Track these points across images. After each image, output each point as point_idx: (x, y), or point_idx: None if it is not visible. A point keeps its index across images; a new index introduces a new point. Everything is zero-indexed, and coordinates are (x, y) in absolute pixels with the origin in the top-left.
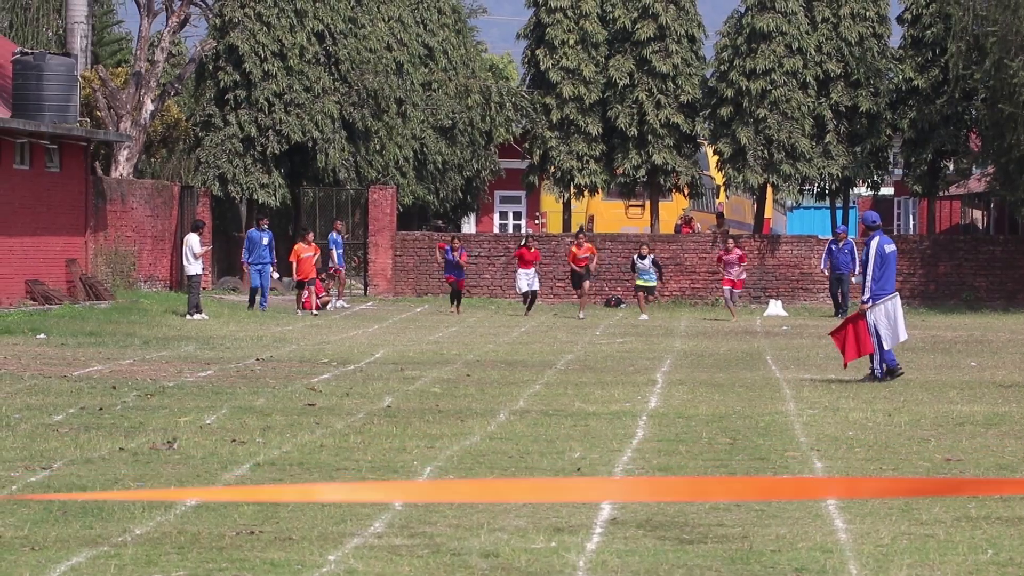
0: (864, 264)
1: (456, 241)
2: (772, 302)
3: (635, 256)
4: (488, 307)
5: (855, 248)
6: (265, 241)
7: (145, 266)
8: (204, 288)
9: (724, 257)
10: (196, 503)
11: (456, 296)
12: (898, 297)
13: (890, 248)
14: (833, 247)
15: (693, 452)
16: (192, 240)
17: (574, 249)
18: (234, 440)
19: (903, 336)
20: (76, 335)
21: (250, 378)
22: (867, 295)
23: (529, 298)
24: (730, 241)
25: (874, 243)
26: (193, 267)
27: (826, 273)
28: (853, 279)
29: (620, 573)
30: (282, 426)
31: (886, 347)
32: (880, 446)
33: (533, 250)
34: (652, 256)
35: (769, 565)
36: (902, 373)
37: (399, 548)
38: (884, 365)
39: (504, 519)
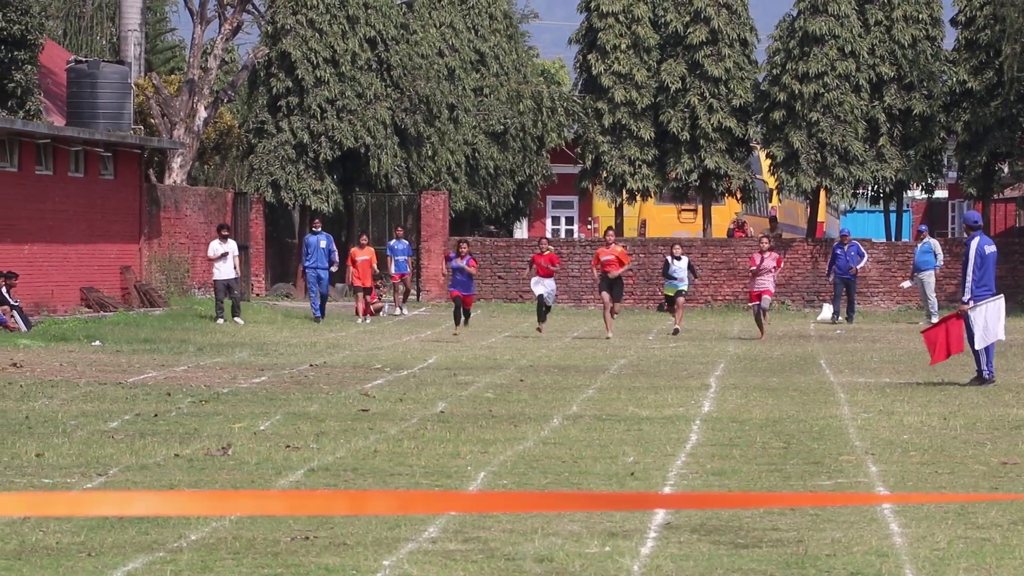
0: (964, 264)
1: (464, 246)
2: (825, 306)
3: (668, 257)
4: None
5: (861, 250)
6: (323, 244)
7: (199, 273)
8: (257, 295)
9: (759, 264)
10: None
11: (462, 314)
12: (1002, 298)
13: (990, 249)
14: (838, 251)
15: (747, 456)
16: (212, 245)
17: (599, 250)
18: (288, 446)
19: (1001, 335)
20: (131, 342)
21: (304, 384)
22: (967, 295)
23: (543, 308)
24: (765, 241)
25: (974, 243)
26: (215, 272)
27: (830, 279)
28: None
29: None
30: (336, 432)
31: (977, 347)
32: (935, 450)
33: (547, 254)
34: (687, 258)
35: (824, 569)
36: (991, 382)
37: (453, 553)
38: (988, 367)
39: (558, 524)
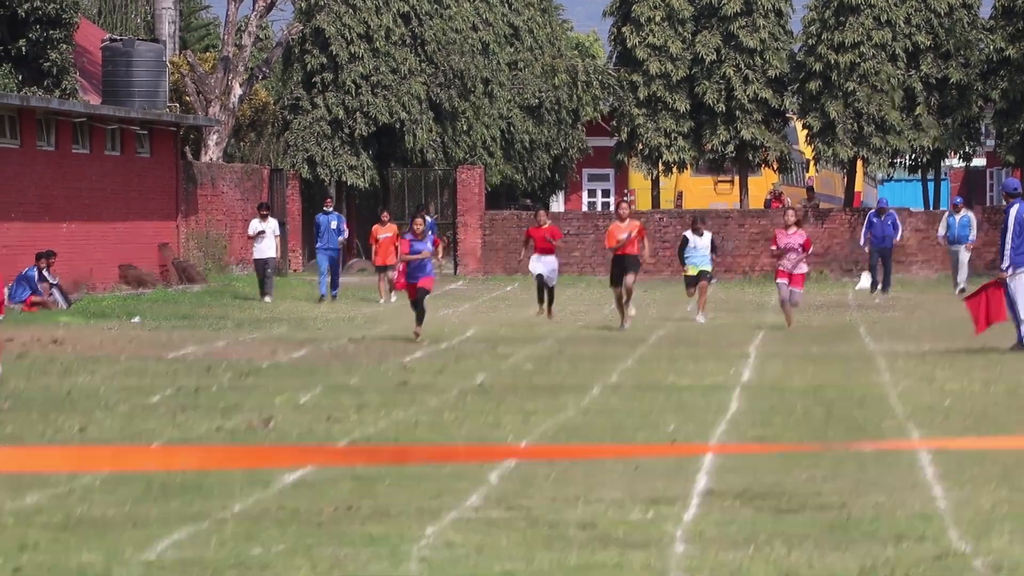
0: (1003, 232)
1: (418, 222)
2: (864, 275)
3: (687, 233)
4: (578, 284)
5: (897, 220)
6: (333, 224)
7: (236, 249)
8: (294, 271)
9: (783, 240)
10: (295, 479)
11: (417, 309)
12: None
13: None
14: (874, 219)
15: (788, 424)
16: (252, 223)
17: (613, 226)
18: (329, 418)
19: None
20: (169, 318)
21: (343, 357)
22: (1006, 263)
23: (544, 290)
24: (790, 213)
25: (1013, 210)
26: (254, 251)
27: (866, 249)
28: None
29: (718, 543)
30: (377, 404)
31: (1021, 315)
32: (977, 415)
33: (545, 226)
34: (711, 235)
35: (868, 533)
36: None
37: (496, 521)
38: None
39: (601, 491)
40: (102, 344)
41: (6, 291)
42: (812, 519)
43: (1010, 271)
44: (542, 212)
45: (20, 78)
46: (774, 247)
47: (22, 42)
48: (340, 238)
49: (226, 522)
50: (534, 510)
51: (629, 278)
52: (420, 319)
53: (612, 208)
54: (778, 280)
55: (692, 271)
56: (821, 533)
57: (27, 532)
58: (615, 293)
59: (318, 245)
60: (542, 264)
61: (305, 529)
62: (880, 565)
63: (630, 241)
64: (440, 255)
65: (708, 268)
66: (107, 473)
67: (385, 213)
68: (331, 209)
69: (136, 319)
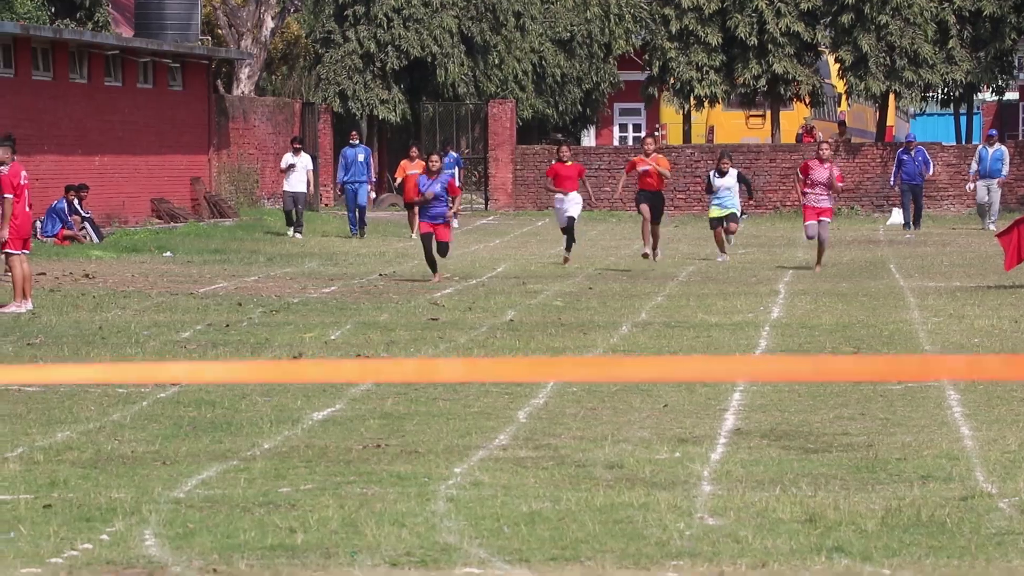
0: None
1: (433, 159)
2: (895, 210)
3: (711, 172)
4: (609, 220)
5: (927, 156)
6: (361, 157)
7: (268, 183)
8: (326, 205)
9: (816, 171)
10: (323, 417)
11: (434, 254)
12: None
13: None
14: (904, 156)
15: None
16: (285, 157)
17: (636, 159)
18: (359, 355)
19: None
20: (201, 252)
21: (373, 294)
22: None
23: (567, 232)
24: (824, 146)
25: None
26: (284, 183)
27: (896, 187)
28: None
29: (744, 483)
30: (406, 341)
31: None
32: (1007, 352)
33: (570, 164)
34: (737, 171)
35: (895, 473)
36: None
37: (524, 460)
38: None
39: (628, 431)
40: (133, 279)
41: (37, 225)
42: (838, 459)
43: None
44: (565, 148)
45: (52, 10)
46: (805, 176)
47: None
48: (368, 172)
49: (255, 460)
50: (561, 449)
51: (657, 229)
52: (435, 270)
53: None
54: (807, 222)
55: (714, 213)
56: (847, 473)
57: (57, 469)
58: (641, 212)
59: (345, 178)
60: (572, 204)
61: (333, 467)
62: (906, 506)
63: (651, 174)
64: (455, 208)
65: (735, 210)
66: (137, 410)
67: (414, 148)
68: (357, 142)
69: (168, 253)
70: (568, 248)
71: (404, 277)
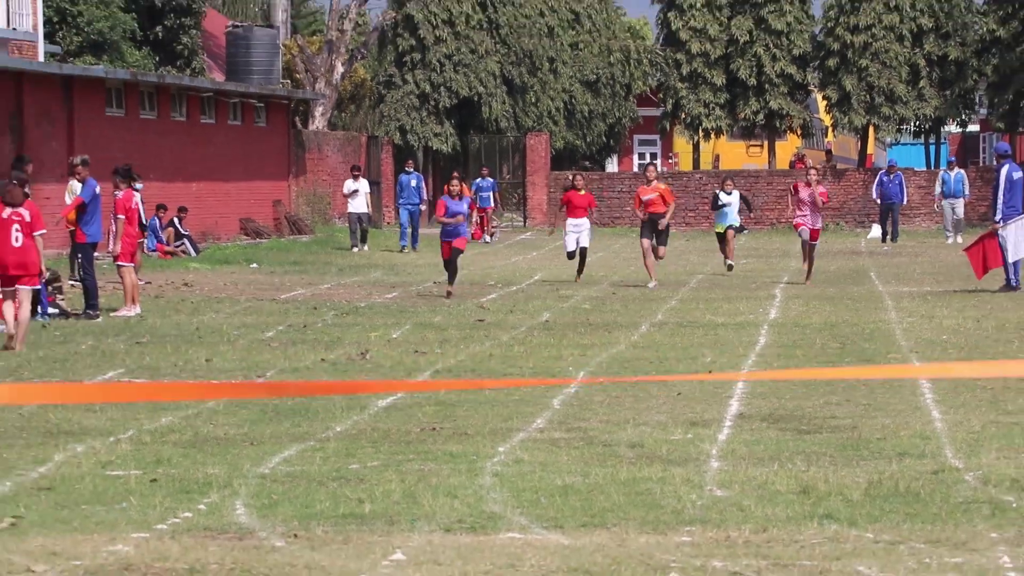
0: (995, 188)
1: (454, 183)
2: (874, 226)
3: (717, 191)
4: (628, 236)
5: (904, 180)
6: (414, 183)
7: (339, 205)
8: (388, 223)
9: (804, 192)
10: (387, 404)
11: (451, 268)
12: None
13: (1017, 174)
14: (884, 178)
15: (808, 356)
16: (346, 183)
17: (640, 188)
18: (417, 351)
19: None
20: (282, 264)
21: (429, 299)
22: (999, 215)
23: (578, 258)
24: (812, 172)
25: (1004, 170)
26: (348, 205)
27: (878, 202)
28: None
29: (747, 459)
30: (457, 339)
31: (1010, 259)
32: (970, 347)
33: (583, 193)
34: (738, 192)
35: (876, 451)
36: (1017, 289)
37: (558, 441)
38: (1015, 277)
39: (647, 415)
40: (225, 287)
41: (144, 242)
42: (827, 439)
43: (1001, 223)
44: (579, 178)
45: (157, 59)
46: (796, 195)
47: (158, 28)
48: (421, 197)
49: (328, 441)
50: (590, 431)
51: (661, 250)
52: (452, 278)
53: (659, 168)
54: (799, 229)
55: (720, 228)
56: (835, 451)
57: (162, 449)
58: (643, 246)
59: (400, 201)
60: (581, 232)
61: (395, 447)
62: (885, 479)
63: (654, 202)
64: (474, 222)
65: (736, 223)
66: (229, 399)
67: (456, 179)
68: (411, 170)
69: (254, 265)
70: (580, 270)
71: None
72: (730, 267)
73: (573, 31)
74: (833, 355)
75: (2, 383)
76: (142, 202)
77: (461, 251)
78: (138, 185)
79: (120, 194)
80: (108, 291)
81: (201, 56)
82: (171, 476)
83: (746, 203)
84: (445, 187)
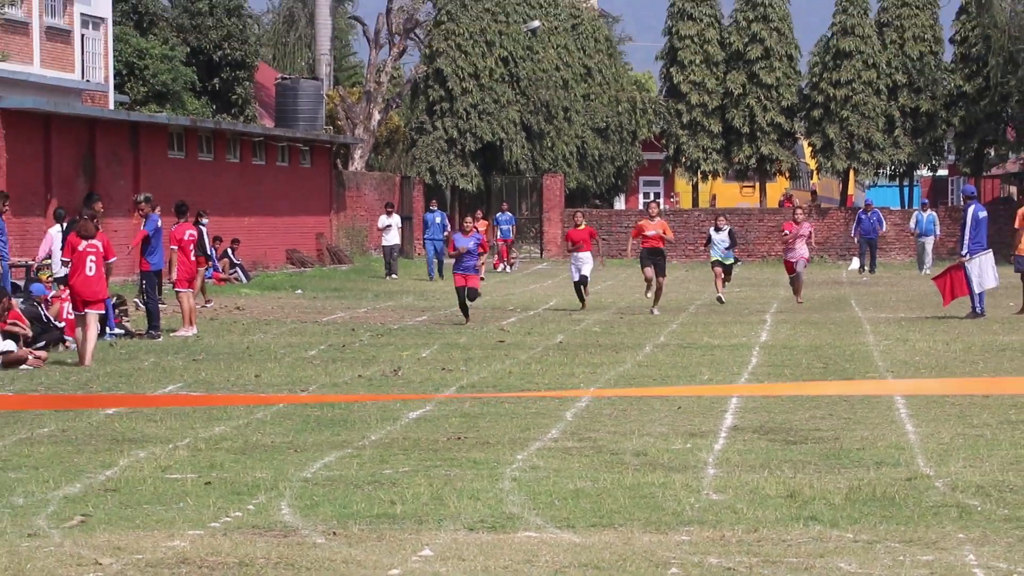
0: (962, 226)
1: (467, 221)
2: (854, 259)
3: (711, 229)
4: (634, 266)
5: (881, 217)
6: (438, 220)
7: (375, 238)
8: (419, 254)
9: (792, 228)
10: (417, 416)
11: (466, 303)
12: (991, 252)
13: (983, 214)
14: (863, 216)
15: (795, 374)
16: (380, 218)
17: (643, 222)
18: (444, 368)
19: (992, 283)
20: (324, 290)
21: (455, 322)
22: (965, 250)
23: (582, 287)
24: (799, 211)
25: (970, 210)
26: (383, 239)
27: (855, 239)
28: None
29: (740, 467)
30: (480, 358)
31: (976, 290)
32: (940, 367)
33: (583, 227)
34: (729, 227)
35: (855, 460)
36: (982, 316)
37: (570, 449)
38: (980, 305)
39: (651, 427)
40: (273, 310)
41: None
42: (812, 449)
43: (968, 256)
44: (579, 215)
45: (214, 108)
46: (786, 232)
47: (215, 80)
48: (444, 232)
49: (364, 448)
50: (599, 441)
51: (662, 280)
52: (467, 317)
53: (662, 206)
54: (790, 274)
55: (714, 258)
56: (819, 460)
57: (215, 455)
58: (645, 275)
59: (425, 236)
60: (584, 264)
61: (424, 455)
62: (864, 485)
63: (655, 237)
64: (482, 261)
65: (725, 260)
66: (275, 410)
67: (469, 218)
68: (435, 209)
69: (299, 291)
70: (583, 298)
71: (478, 308)
72: (719, 299)
73: (585, 83)
74: (817, 374)
75: (76, 394)
76: (207, 235)
77: (477, 293)
78: (204, 220)
79: (174, 227)
80: (168, 313)
81: (253, 105)
82: (223, 479)
83: (732, 239)
84: (461, 224)
